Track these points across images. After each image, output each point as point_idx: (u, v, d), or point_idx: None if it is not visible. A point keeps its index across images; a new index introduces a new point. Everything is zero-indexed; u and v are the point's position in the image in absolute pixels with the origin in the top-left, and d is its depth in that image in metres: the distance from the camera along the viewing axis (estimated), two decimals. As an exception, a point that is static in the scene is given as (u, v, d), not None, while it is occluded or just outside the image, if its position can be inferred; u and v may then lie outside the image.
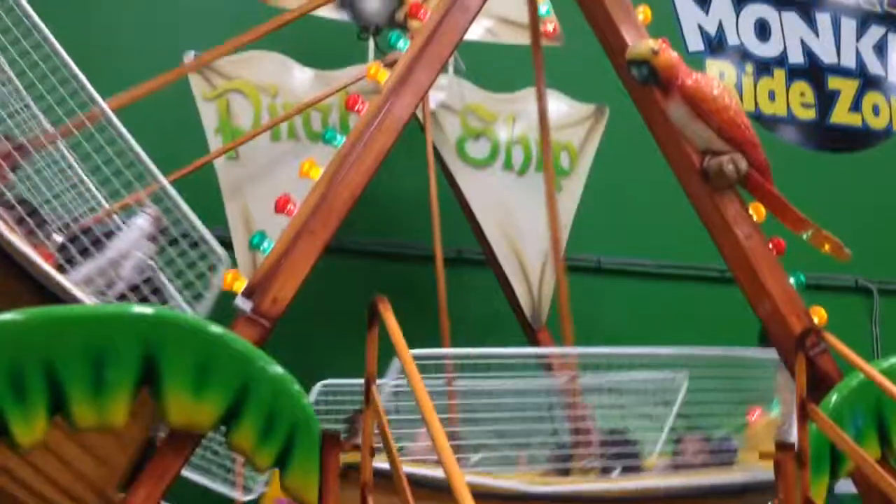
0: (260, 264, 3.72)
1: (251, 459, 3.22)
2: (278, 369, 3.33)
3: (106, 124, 3.84)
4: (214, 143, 5.73)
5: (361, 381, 3.23)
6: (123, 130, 3.86)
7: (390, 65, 4.44)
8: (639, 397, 4.67)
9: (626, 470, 4.19)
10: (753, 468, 4.11)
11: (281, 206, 3.75)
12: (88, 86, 3.80)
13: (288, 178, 5.46)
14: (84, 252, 3.71)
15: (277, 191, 5.40)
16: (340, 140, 3.84)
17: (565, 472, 4.24)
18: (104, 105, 3.82)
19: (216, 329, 3.32)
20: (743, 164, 4.11)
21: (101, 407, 3.03)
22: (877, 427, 3.86)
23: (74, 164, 4.17)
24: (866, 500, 3.98)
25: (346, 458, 3.88)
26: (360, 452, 3.26)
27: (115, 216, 4.15)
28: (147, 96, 6.68)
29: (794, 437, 3.93)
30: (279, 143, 5.82)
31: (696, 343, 6.37)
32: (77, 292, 3.38)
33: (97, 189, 4.17)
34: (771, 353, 4.21)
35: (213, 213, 5.83)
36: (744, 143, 4.17)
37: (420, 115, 5.93)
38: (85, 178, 4.16)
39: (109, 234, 4.00)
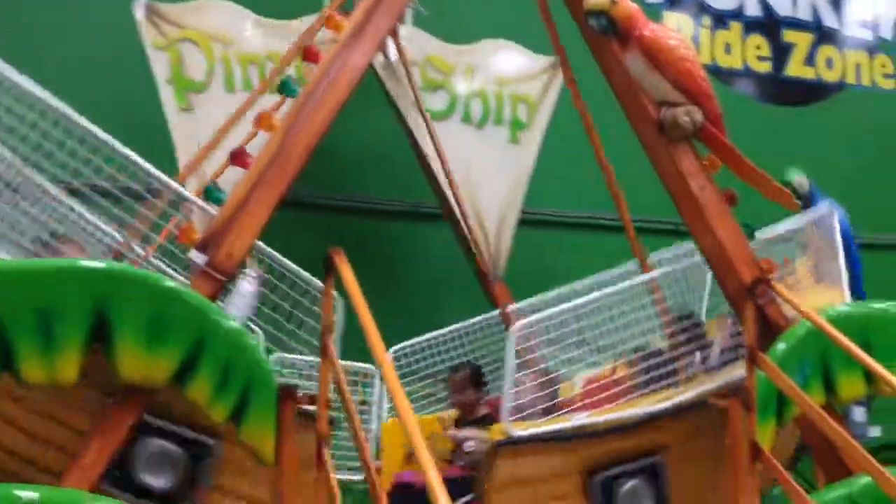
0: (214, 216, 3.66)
1: (206, 412, 3.22)
2: (233, 323, 3.32)
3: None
4: (166, 93, 5.61)
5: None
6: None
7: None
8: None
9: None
10: None
11: (237, 159, 3.69)
12: None
13: (242, 129, 5.43)
14: None
15: (231, 141, 5.39)
16: (297, 91, 3.77)
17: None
18: None
19: (169, 282, 3.30)
20: (698, 116, 4.13)
21: (51, 363, 3.00)
22: (822, 375, 3.96)
23: None
24: (813, 446, 4.10)
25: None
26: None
27: None
28: (96, 46, 6.59)
29: None
30: (234, 95, 5.72)
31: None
32: None
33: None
34: None
35: (168, 166, 5.76)
36: (699, 95, 4.19)
37: (377, 66, 5.86)
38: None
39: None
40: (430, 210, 6.96)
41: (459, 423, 5.06)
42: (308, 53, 3.89)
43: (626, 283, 4.54)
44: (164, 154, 5.58)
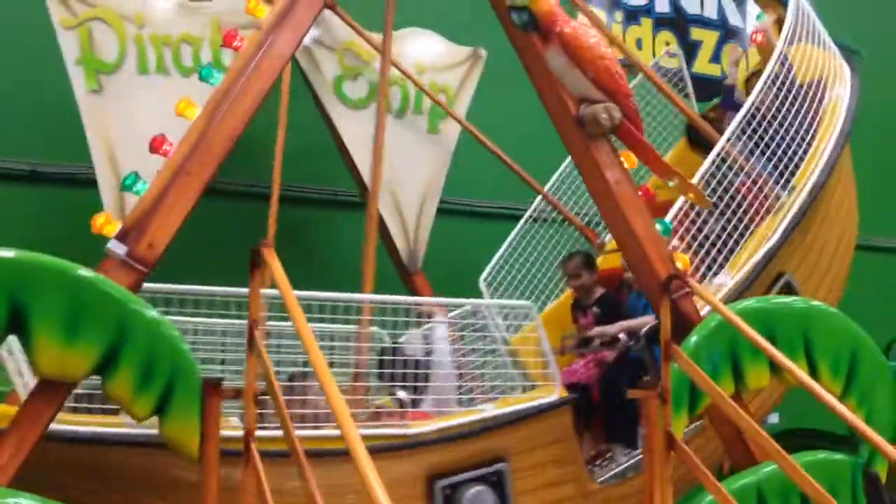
0: (133, 206, 3.56)
1: (129, 408, 3.14)
2: (155, 314, 3.24)
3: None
4: (75, 74, 5.41)
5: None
6: None
7: (268, -1, 4.30)
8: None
9: None
10: None
11: (156, 147, 3.60)
12: None
13: (157, 114, 5.27)
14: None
15: (145, 127, 5.21)
16: (218, 78, 3.69)
17: None
18: None
19: (87, 273, 3.20)
20: (617, 114, 4.22)
21: (-36, 355, 2.88)
22: (731, 365, 4.12)
23: None
24: (720, 433, 4.28)
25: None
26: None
27: None
28: (2, 23, 6.30)
29: None
30: (147, 77, 5.56)
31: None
32: None
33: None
34: None
35: (77, 150, 5.57)
36: (617, 93, 4.28)
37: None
38: None
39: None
40: (349, 198, 6.94)
41: (577, 305, 5.75)
42: (228, 39, 3.79)
43: None
44: (75, 137, 5.43)
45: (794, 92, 5.19)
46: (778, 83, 5.16)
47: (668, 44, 9.06)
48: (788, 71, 5.25)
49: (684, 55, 9.09)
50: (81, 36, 5.39)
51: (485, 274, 6.26)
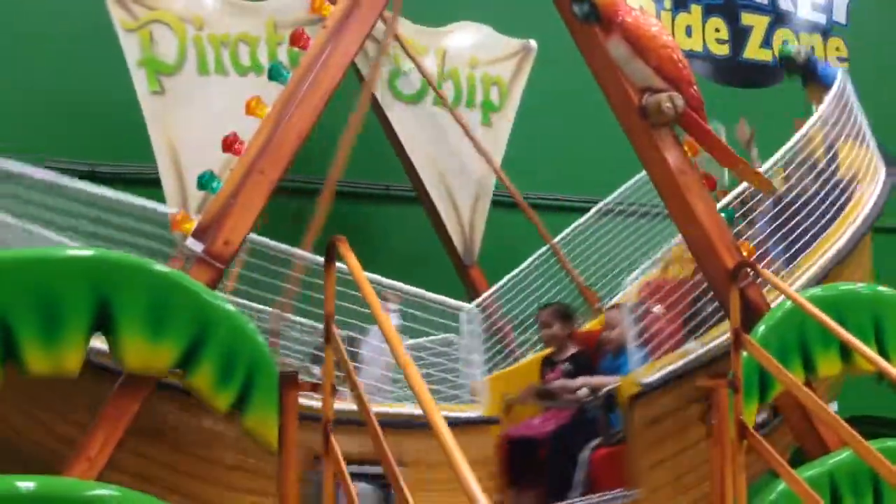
0: (208, 204, 3.63)
1: (210, 401, 3.21)
2: (234, 309, 3.31)
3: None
4: (137, 75, 5.53)
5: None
6: None
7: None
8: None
9: None
10: None
11: (228, 145, 3.66)
12: None
13: (217, 113, 5.36)
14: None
15: (206, 126, 5.32)
16: (286, 76, 3.75)
17: None
18: None
19: (169, 270, 3.27)
20: (680, 102, 4.20)
21: (54, 353, 2.97)
22: (801, 353, 4.09)
23: None
24: (792, 423, 4.25)
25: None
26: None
27: None
28: (66, 26, 6.43)
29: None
30: (206, 77, 5.66)
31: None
32: None
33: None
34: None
35: (136, 150, 5.68)
36: (681, 81, 4.26)
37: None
38: None
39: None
40: (402, 193, 6.98)
41: (547, 360, 5.41)
42: (296, 38, 3.85)
43: None
44: (137, 137, 5.54)
45: (825, 181, 5.03)
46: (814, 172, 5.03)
47: (717, 30, 8.97)
48: (831, 161, 5.12)
49: (734, 42, 9.04)
50: (142, 38, 5.50)
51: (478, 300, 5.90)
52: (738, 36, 9.02)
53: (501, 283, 5.97)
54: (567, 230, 6.21)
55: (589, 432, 4.73)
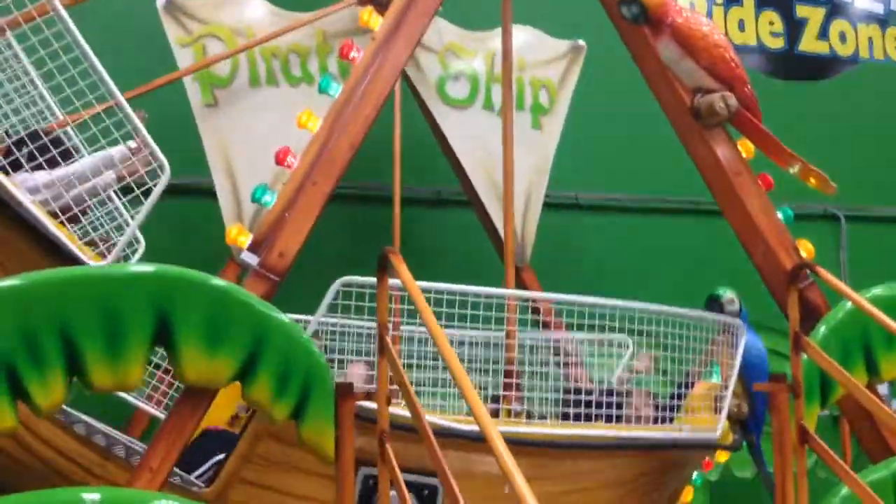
0: (262, 216, 3.69)
1: (268, 412, 3.25)
2: (289, 321, 3.35)
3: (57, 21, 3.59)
4: (192, 90, 5.64)
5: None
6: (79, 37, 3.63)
7: (378, 4, 4.38)
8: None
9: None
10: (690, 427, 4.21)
11: (281, 159, 3.71)
12: None
13: (269, 124, 5.45)
14: (33, 158, 3.68)
15: (259, 137, 5.41)
16: (336, 89, 3.79)
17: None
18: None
19: (225, 283, 3.33)
20: (733, 102, 4.16)
21: (118, 368, 3.03)
22: (863, 354, 4.00)
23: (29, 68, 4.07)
24: (854, 426, 4.16)
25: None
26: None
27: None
28: (122, 43, 6.58)
29: (728, 402, 4.20)
30: (259, 90, 5.75)
31: (674, 277, 6.53)
32: (15, 191, 3.33)
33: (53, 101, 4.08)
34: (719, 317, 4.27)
35: (195, 161, 5.79)
36: (734, 81, 4.21)
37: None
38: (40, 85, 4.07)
39: (66, 153, 3.96)
40: (453, 197, 7.00)
41: None
42: (346, 51, 3.88)
43: None
44: (192, 150, 5.65)
45: None
46: None
47: (771, 23, 8.81)
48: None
49: (788, 34, 8.86)
50: (196, 52, 5.61)
51: None
52: (794, 28, 8.84)
53: None
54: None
55: None
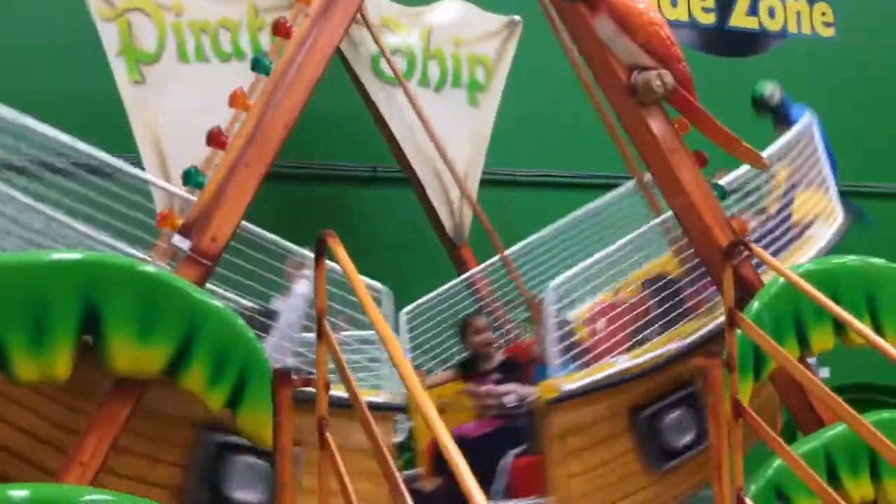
0: (197, 199, 3.57)
1: (203, 400, 3.18)
2: (224, 307, 3.27)
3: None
4: (117, 65, 5.42)
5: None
6: None
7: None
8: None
9: None
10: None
11: (213, 140, 3.60)
12: None
13: (200, 102, 5.28)
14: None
15: (188, 115, 5.24)
16: (269, 67, 3.68)
17: None
18: None
19: (155, 269, 3.23)
20: (669, 80, 4.17)
21: (43, 359, 2.93)
22: (795, 329, 4.08)
23: None
24: (786, 399, 4.25)
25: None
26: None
27: None
28: (42, 17, 6.31)
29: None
30: (187, 65, 5.56)
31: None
32: None
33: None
34: None
35: (122, 140, 5.59)
36: (669, 58, 4.22)
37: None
38: None
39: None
40: (389, 174, 6.92)
41: (470, 368, 5.32)
42: (278, 28, 3.77)
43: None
44: (118, 128, 5.45)
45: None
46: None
47: (703, -1, 8.90)
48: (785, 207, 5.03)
49: (720, 10, 8.96)
50: (121, 27, 5.38)
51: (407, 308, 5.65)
52: (724, 4, 8.94)
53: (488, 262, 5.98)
54: (530, 237, 6.09)
55: (515, 440, 4.64)
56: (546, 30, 6.20)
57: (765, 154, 4.68)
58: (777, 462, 3.88)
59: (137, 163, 5.40)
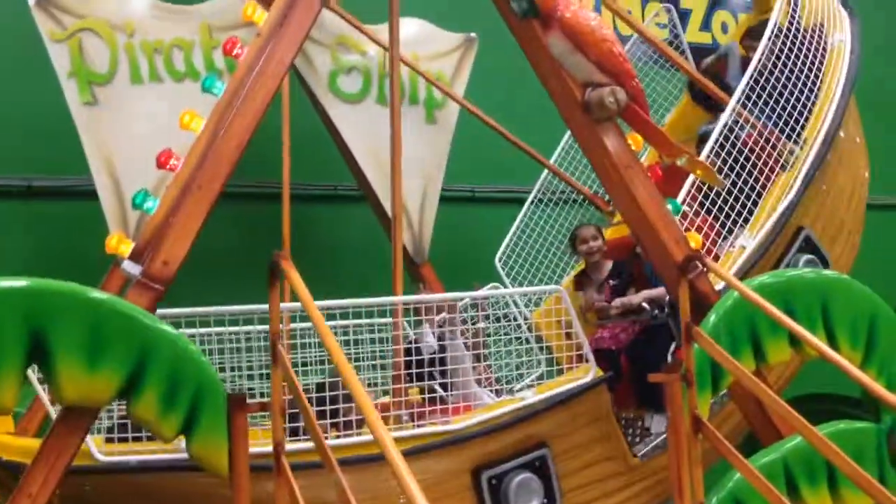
0: (144, 224, 3.52)
1: (155, 429, 3.11)
2: (175, 332, 3.21)
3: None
4: (68, 87, 5.35)
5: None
6: None
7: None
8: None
9: None
10: None
11: (163, 162, 3.55)
12: None
13: (153, 123, 5.23)
14: None
15: (142, 136, 5.19)
16: (220, 88, 3.64)
17: None
18: None
19: (104, 295, 3.15)
20: (622, 96, 4.19)
21: (-12, 390, 2.85)
22: (751, 342, 4.10)
23: None
24: (744, 411, 4.28)
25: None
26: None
27: None
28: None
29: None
30: (140, 86, 5.50)
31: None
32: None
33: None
34: None
35: (74, 162, 5.51)
36: (621, 75, 4.24)
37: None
38: None
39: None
40: (349, 192, 6.90)
41: (584, 279, 5.68)
42: (230, 48, 3.73)
43: None
44: (71, 150, 5.38)
45: (798, 41, 5.12)
46: (784, 32, 5.09)
47: (657, 14, 9.00)
48: (794, 19, 5.18)
49: (674, 25, 9.08)
50: (72, 48, 5.33)
51: (499, 254, 6.31)
52: (678, 20, 9.06)
53: (516, 224, 6.39)
54: (556, 153, 6.58)
55: (664, 339, 4.83)
56: (502, 46, 6.23)
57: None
58: (737, 475, 3.89)
59: (91, 185, 5.36)
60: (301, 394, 2.99)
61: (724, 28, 9.26)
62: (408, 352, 4.35)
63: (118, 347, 3.02)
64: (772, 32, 5.10)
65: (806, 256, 4.98)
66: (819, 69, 5.15)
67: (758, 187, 4.84)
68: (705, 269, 4.11)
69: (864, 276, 4.45)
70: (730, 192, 4.74)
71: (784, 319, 3.81)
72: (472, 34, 6.67)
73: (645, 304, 5.06)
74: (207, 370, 3.20)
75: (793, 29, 5.16)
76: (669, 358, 4.71)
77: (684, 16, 9.13)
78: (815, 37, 5.26)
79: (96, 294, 3.09)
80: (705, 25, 9.22)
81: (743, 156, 4.85)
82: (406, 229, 6.29)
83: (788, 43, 5.10)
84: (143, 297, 3.30)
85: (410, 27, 6.52)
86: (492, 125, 6.49)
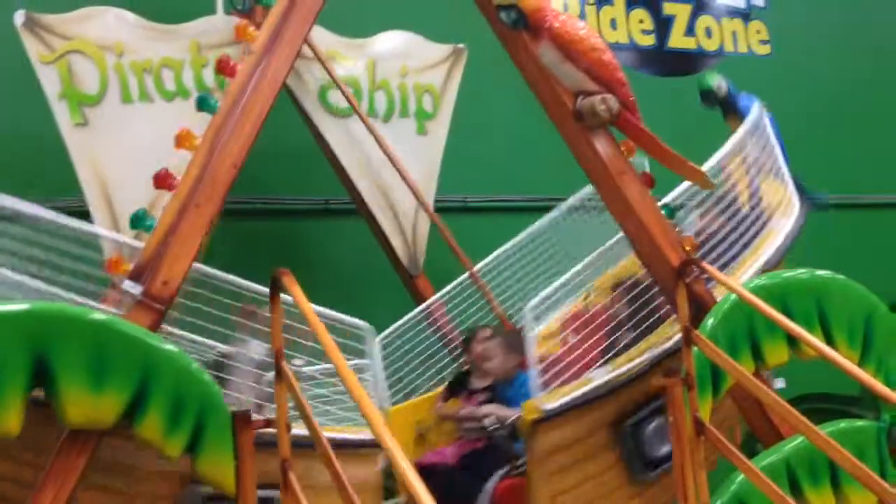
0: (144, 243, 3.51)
1: (161, 450, 3.11)
2: (178, 351, 3.21)
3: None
4: (58, 108, 5.34)
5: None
6: None
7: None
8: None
9: None
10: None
11: (161, 182, 3.55)
12: None
13: (145, 142, 5.22)
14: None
15: (134, 156, 5.17)
16: (215, 106, 3.64)
17: None
18: None
19: (106, 317, 3.16)
20: (614, 104, 4.22)
21: (-7, 414, 2.84)
22: (750, 344, 4.13)
23: None
24: (745, 413, 4.30)
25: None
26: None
27: None
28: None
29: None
30: (131, 105, 5.49)
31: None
32: None
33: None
34: None
35: (66, 184, 5.49)
36: (613, 83, 4.27)
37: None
38: None
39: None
40: (341, 206, 6.90)
41: (460, 384, 5.31)
42: (223, 66, 3.74)
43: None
44: (63, 172, 5.36)
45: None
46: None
47: (641, 21, 9.07)
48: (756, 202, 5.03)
49: (658, 32, 9.15)
50: (61, 70, 5.31)
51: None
52: (662, 26, 9.13)
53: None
54: (494, 254, 6.16)
55: (497, 461, 4.63)
56: (491, 56, 6.26)
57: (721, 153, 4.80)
58: (741, 476, 3.91)
59: (83, 206, 5.34)
60: (306, 408, 2.99)
61: (708, 33, 9.34)
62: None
63: (121, 368, 3.03)
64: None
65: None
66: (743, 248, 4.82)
67: (642, 328, 4.58)
68: (702, 273, 4.13)
69: (859, 275, 4.50)
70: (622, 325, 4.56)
71: (782, 320, 3.84)
72: (461, 45, 6.70)
73: (488, 420, 4.79)
74: (211, 388, 3.21)
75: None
76: (490, 482, 4.54)
77: (668, 22, 9.20)
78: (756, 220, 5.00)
79: (98, 315, 3.10)
80: (690, 31, 9.28)
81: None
82: (400, 241, 6.31)
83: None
84: (145, 317, 3.29)
85: (398, 39, 6.55)
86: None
